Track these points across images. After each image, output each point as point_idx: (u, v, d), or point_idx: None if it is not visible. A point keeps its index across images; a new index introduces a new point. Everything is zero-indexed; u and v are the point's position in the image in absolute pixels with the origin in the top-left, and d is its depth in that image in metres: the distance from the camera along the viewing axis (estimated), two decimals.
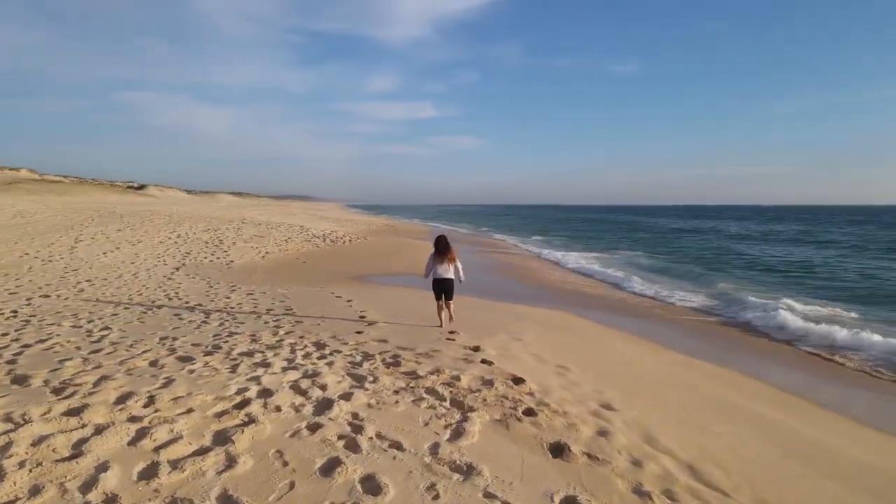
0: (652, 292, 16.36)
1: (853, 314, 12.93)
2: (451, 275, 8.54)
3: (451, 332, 8.33)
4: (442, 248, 8.53)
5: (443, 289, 8.50)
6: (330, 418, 4.54)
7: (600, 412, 5.39)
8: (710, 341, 10.54)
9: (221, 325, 8.43)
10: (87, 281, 12.52)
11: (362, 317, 9.50)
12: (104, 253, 16.79)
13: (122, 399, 4.74)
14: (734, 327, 11.91)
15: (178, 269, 15.62)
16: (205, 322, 8.59)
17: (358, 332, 8.12)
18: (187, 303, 10.49)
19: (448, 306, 8.61)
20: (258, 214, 42.74)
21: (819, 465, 4.90)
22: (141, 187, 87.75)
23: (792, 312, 12.43)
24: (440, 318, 8.69)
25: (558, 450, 4.34)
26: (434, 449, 4.11)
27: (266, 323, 8.68)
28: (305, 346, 7.03)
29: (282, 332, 7.99)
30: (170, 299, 10.85)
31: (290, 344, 7.14)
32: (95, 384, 5.12)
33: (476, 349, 7.39)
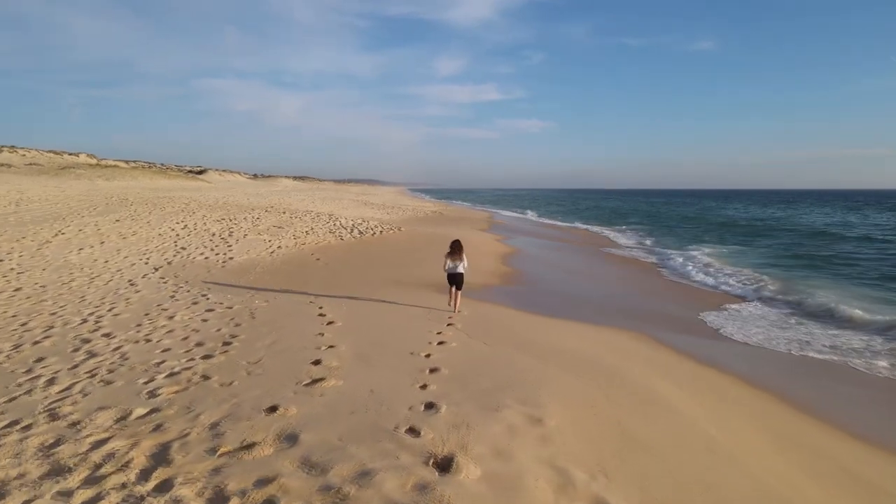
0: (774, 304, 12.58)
1: None
2: (461, 269, 9.91)
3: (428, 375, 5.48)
4: (454, 249, 9.96)
5: (455, 281, 9.89)
6: None
7: None
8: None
9: (68, 389, 5.46)
10: (15, 290, 10.12)
11: (317, 362, 6.64)
12: (80, 249, 14.58)
13: None
14: None
15: (157, 269, 13.22)
16: (51, 383, 5.63)
17: (270, 411, 5.00)
18: (97, 330, 7.78)
19: (457, 295, 9.88)
20: (297, 201, 40.69)
21: None
22: (201, 172, 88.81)
23: None
24: (450, 301, 9.92)
25: None
26: None
27: (147, 383, 5.66)
28: (121, 468, 3.85)
29: (137, 412, 4.90)
30: (84, 322, 8.19)
31: (95, 465, 3.93)
32: None
33: (447, 466, 4.08)
